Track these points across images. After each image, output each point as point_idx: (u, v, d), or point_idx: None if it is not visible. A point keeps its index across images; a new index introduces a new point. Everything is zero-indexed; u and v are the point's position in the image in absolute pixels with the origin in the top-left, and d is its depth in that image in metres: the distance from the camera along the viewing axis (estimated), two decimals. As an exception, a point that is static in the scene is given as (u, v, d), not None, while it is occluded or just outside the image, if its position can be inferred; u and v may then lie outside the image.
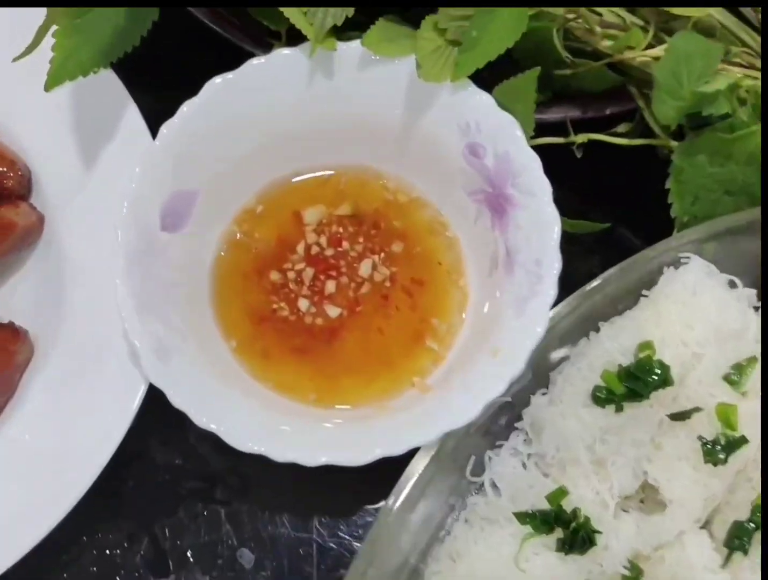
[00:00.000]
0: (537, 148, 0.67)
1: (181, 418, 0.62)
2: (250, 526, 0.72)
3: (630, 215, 0.77)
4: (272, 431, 0.61)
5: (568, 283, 0.68)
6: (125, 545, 0.72)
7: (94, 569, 0.71)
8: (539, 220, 0.65)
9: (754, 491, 0.66)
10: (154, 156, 0.66)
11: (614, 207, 0.79)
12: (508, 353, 0.63)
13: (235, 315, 0.70)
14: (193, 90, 0.67)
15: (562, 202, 0.67)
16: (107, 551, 0.72)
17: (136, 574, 0.71)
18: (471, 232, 0.72)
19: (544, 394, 0.69)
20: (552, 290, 0.63)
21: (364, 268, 0.72)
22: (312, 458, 0.60)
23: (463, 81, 0.66)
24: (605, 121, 0.73)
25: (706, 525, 0.67)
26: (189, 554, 0.71)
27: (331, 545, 0.72)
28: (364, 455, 0.59)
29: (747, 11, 0.70)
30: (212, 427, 0.60)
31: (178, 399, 0.60)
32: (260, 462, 0.61)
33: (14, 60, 0.65)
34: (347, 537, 0.72)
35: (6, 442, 0.67)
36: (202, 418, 0.60)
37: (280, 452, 0.60)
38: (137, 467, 0.73)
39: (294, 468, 0.62)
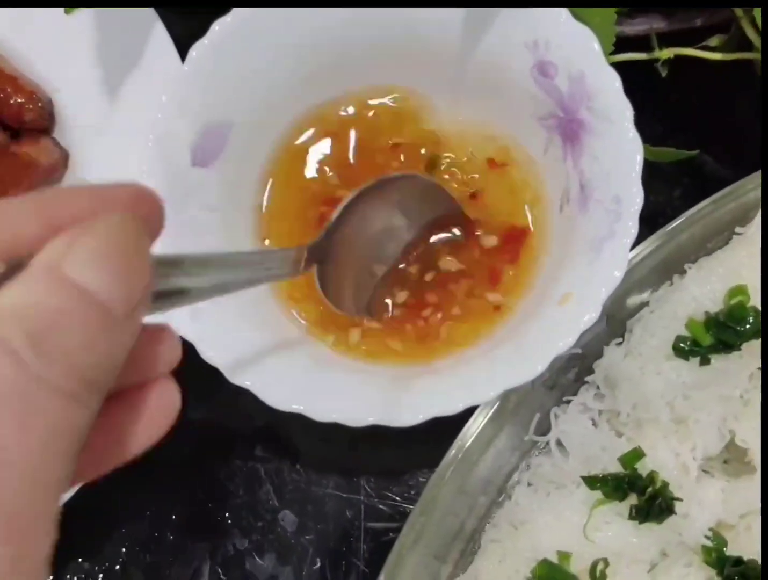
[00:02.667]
0: (616, 66, 0.62)
1: (217, 372, 0.59)
2: (293, 486, 0.71)
3: (722, 142, 0.72)
4: (314, 388, 0.58)
5: (649, 220, 0.64)
6: (159, 506, 0.70)
7: (124, 530, 0.69)
8: (618, 149, 0.60)
9: None
10: (183, 83, 0.63)
11: (704, 133, 0.73)
12: (580, 301, 0.59)
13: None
14: (228, 8, 0.62)
15: (643, 127, 0.62)
16: (140, 514, 0.71)
17: (171, 537, 0.70)
18: (542, 164, 0.66)
19: (619, 344, 0.66)
20: (633, 229, 0.59)
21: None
22: (357, 418, 0.56)
23: (532, -11, 0.60)
24: (695, 35, 0.68)
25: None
26: (227, 515, 0.70)
27: (381, 507, 0.69)
28: (414, 415, 0.56)
29: None
30: (247, 383, 0.57)
31: (210, 353, 0.58)
32: (305, 418, 0.59)
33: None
34: (398, 498, 0.70)
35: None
36: (236, 374, 0.57)
37: (322, 412, 0.56)
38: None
39: (343, 426, 0.59)
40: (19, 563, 0.28)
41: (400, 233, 0.65)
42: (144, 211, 0.35)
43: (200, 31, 0.62)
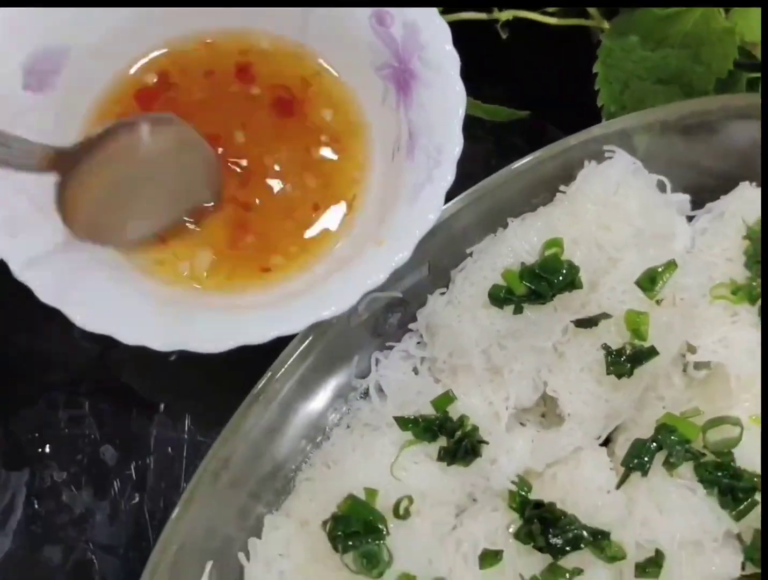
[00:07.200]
0: (456, 25, 0.65)
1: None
2: (116, 421, 0.72)
3: (555, 105, 0.76)
4: (124, 311, 0.60)
5: (482, 176, 0.67)
6: (-24, 432, 0.71)
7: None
8: (444, 99, 0.64)
9: (663, 410, 0.65)
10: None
11: (539, 95, 0.77)
12: (394, 241, 0.61)
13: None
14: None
15: (480, 86, 0.67)
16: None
17: (-14, 464, 0.70)
18: (378, 113, 0.70)
19: (442, 293, 0.68)
20: (450, 175, 0.62)
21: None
22: (163, 342, 0.58)
23: (370, -65, 0.63)
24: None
25: (608, 443, 0.66)
26: (46, 446, 0.71)
27: (205, 445, 0.71)
28: (220, 342, 0.58)
29: None
30: (56, 304, 0.58)
31: (26, 274, 0.59)
32: (135, 353, 0.60)
33: None
34: (223, 437, 0.71)
35: None
36: (48, 294, 0.59)
37: (129, 334, 0.58)
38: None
39: (171, 361, 0.64)
40: None
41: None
42: None
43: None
